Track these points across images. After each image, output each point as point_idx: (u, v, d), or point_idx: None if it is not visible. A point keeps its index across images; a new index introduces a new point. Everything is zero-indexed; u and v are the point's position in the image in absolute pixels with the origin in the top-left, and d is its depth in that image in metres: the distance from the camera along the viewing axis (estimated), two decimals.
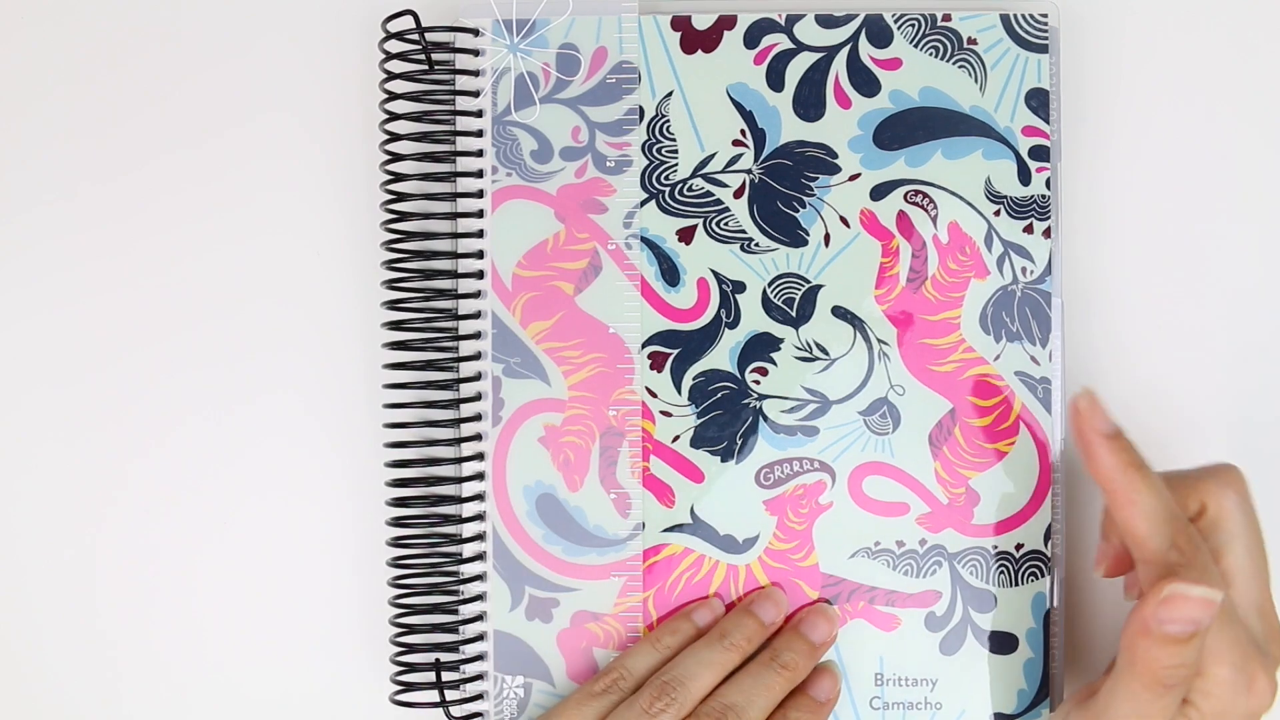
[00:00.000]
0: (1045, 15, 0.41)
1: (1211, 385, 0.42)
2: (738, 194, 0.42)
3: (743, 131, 0.42)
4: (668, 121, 0.42)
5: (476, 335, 0.42)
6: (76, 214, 0.45)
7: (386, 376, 0.42)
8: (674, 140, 0.42)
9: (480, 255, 0.42)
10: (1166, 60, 0.43)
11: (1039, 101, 0.41)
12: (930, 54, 0.41)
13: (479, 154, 0.42)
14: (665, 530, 0.42)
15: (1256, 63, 0.43)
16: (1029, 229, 0.41)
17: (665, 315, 0.42)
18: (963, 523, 0.41)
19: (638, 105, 0.42)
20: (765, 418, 0.42)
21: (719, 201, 0.42)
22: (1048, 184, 0.41)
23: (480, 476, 0.42)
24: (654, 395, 0.42)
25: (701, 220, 0.42)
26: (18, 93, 0.45)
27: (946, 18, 0.41)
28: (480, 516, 0.42)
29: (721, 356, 0.42)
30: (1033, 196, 0.41)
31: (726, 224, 0.42)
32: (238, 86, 0.44)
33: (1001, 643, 0.41)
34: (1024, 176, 0.41)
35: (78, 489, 0.45)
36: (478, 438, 0.42)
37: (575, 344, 0.42)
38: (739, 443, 0.42)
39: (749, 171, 0.42)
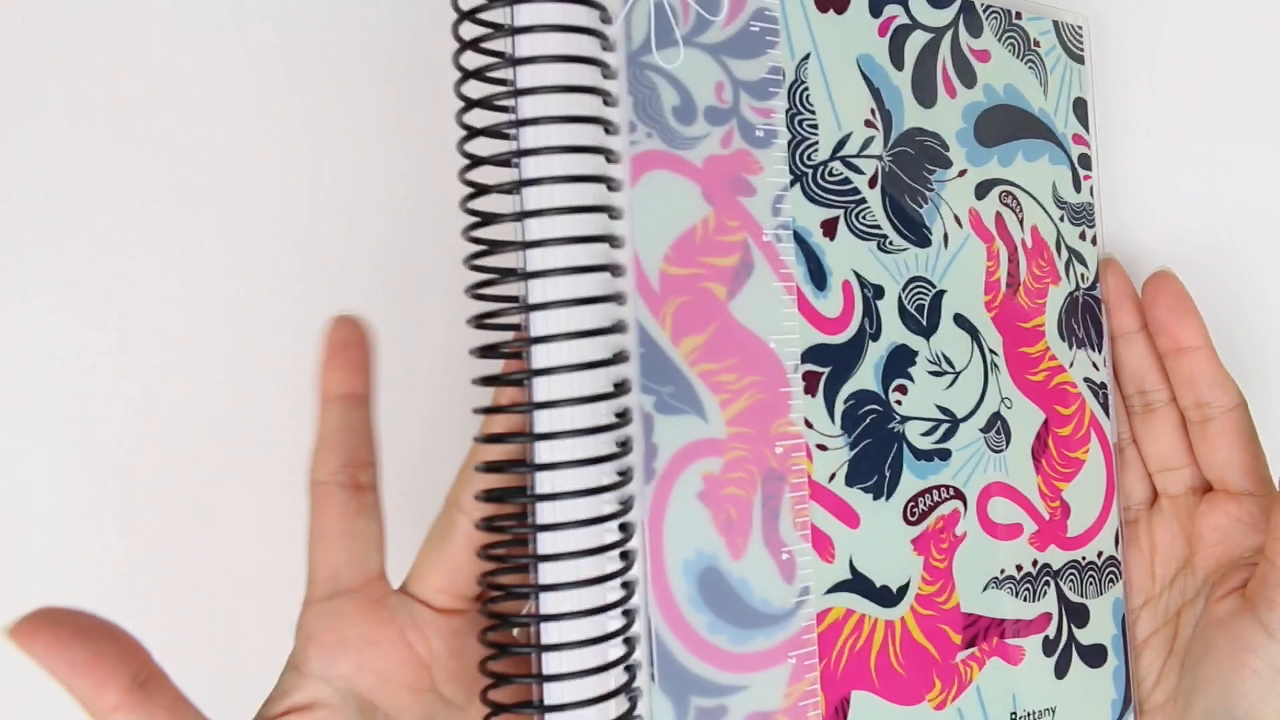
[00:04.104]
0: (1081, 27, 0.42)
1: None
2: (872, 183, 0.36)
3: (873, 111, 0.36)
4: (807, 90, 0.34)
5: (615, 359, 0.30)
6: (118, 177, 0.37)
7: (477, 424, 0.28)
8: (814, 114, 0.34)
9: (615, 242, 0.30)
10: (1190, 74, 0.45)
11: (1082, 111, 0.41)
12: (1010, 50, 0.39)
13: (604, 97, 0.30)
14: (828, 591, 0.34)
15: (1267, 78, 0.46)
16: (1082, 236, 0.41)
17: (816, 325, 0.34)
18: (1060, 537, 0.40)
19: (780, 66, 0.33)
20: (907, 443, 0.36)
21: (856, 190, 0.35)
22: (1091, 191, 0.42)
23: (626, 556, 0.30)
24: (810, 426, 0.34)
25: (843, 212, 0.35)
26: None
27: (1018, 15, 0.40)
28: (629, 612, 0.30)
29: (867, 374, 0.35)
30: (1084, 204, 0.41)
31: (865, 217, 0.35)
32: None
33: (1096, 656, 0.40)
34: (1076, 184, 0.41)
35: (79, 486, 0.38)
36: (624, 506, 0.30)
37: (731, 364, 0.32)
38: (887, 475, 0.35)
39: (880, 158, 0.36)
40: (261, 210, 0.40)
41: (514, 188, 0.29)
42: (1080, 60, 0.42)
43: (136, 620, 0.33)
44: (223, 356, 0.39)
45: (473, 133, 0.29)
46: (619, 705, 0.29)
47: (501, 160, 0.29)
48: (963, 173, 0.38)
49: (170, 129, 0.39)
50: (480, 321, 0.30)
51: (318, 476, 0.31)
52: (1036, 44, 0.40)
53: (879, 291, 0.36)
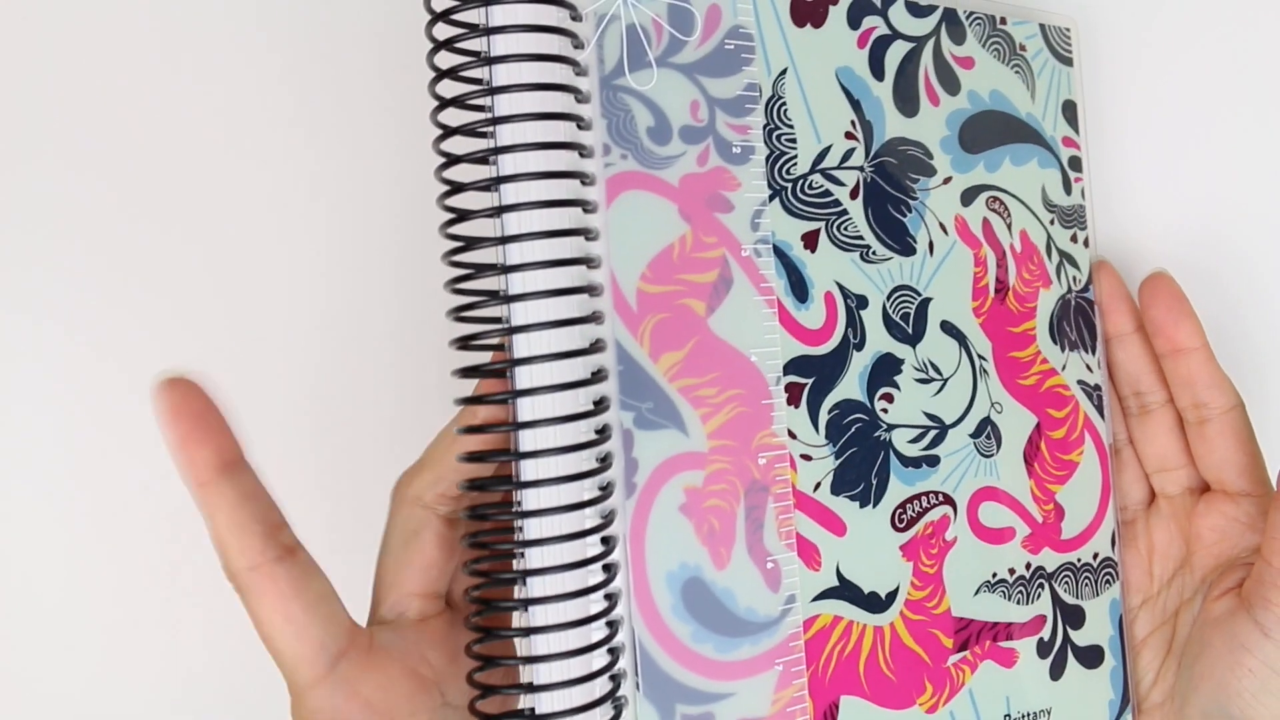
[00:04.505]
0: (1069, 29, 0.42)
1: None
2: (853, 194, 0.36)
3: (853, 123, 0.36)
4: (785, 105, 0.35)
5: (594, 377, 0.31)
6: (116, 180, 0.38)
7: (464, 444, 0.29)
8: (792, 128, 0.35)
9: (592, 263, 0.31)
10: (1182, 72, 0.45)
11: (1071, 113, 0.41)
12: (995, 56, 0.40)
13: (577, 121, 0.31)
14: (815, 599, 0.34)
15: (1260, 75, 0.46)
16: (1074, 238, 0.41)
17: (797, 338, 0.34)
18: (1055, 539, 0.40)
19: (756, 82, 0.34)
20: (895, 450, 0.36)
21: (838, 203, 0.36)
22: (1083, 194, 0.42)
23: (609, 569, 0.31)
24: (793, 436, 0.34)
25: (824, 224, 0.35)
26: None
27: (1003, 20, 0.40)
28: (613, 623, 0.31)
29: (851, 384, 0.36)
30: (1074, 206, 0.41)
31: (846, 229, 0.36)
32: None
33: (1092, 656, 0.40)
34: (1066, 186, 0.41)
35: (85, 485, 0.39)
36: (606, 520, 0.31)
37: (711, 379, 0.33)
38: (874, 483, 0.36)
39: (861, 169, 0.36)
40: (253, 214, 0.41)
41: (494, 213, 0.30)
42: (1069, 62, 0.42)
43: (140, 624, 0.34)
44: (221, 358, 0.40)
45: (454, 159, 0.30)
46: (604, 713, 0.30)
47: (482, 186, 0.30)
48: (948, 180, 0.38)
49: (169, 135, 0.40)
50: (464, 343, 0.31)
51: (245, 564, 0.28)
52: (1023, 48, 0.40)
53: (862, 301, 0.36)
